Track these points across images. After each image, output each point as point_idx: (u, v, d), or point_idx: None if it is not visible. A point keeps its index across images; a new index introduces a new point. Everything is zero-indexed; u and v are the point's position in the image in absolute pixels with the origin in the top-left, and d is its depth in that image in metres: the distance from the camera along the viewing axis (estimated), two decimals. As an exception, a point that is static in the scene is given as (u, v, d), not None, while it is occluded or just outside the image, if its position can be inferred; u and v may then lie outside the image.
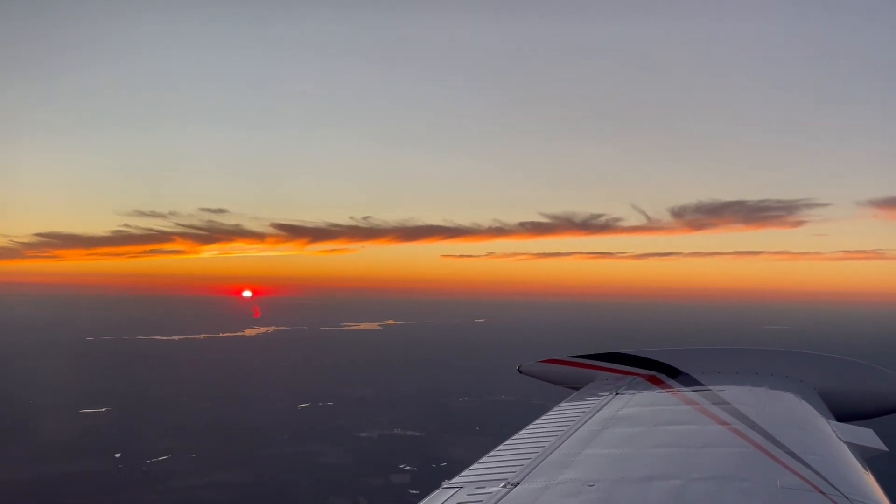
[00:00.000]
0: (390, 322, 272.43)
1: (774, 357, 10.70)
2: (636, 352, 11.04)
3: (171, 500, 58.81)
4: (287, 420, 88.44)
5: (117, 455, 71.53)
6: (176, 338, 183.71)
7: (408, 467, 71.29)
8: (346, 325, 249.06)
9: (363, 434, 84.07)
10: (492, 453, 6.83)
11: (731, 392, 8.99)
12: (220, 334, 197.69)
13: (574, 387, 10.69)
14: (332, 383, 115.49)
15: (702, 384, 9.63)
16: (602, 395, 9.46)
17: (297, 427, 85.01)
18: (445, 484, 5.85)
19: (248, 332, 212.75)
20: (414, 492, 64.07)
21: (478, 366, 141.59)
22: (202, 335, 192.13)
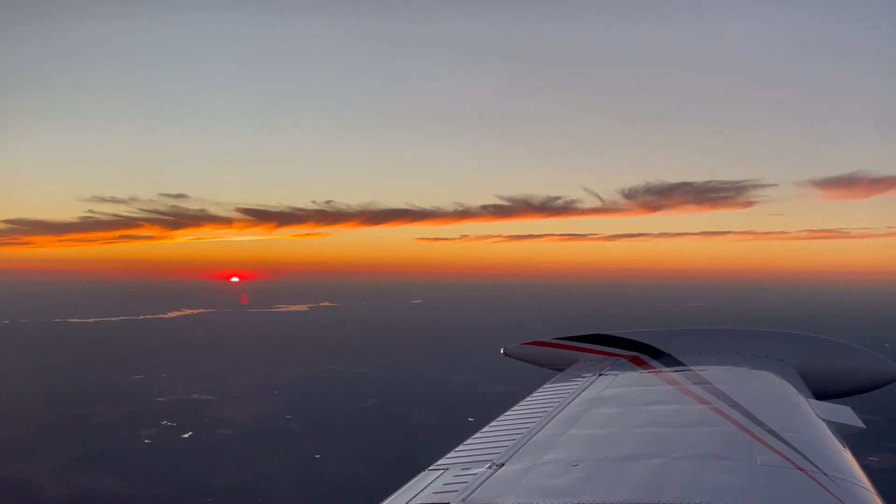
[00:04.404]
0: (324, 304, 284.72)
1: (755, 337, 10.77)
2: (619, 333, 11.16)
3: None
4: (104, 389, 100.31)
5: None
6: (91, 320, 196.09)
7: (168, 423, 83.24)
8: (276, 308, 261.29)
9: (160, 399, 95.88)
10: (477, 435, 6.87)
11: (712, 372, 9.12)
12: (140, 317, 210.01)
13: (558, 368, 10.86)
14: (187, 359, 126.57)
15: (684, 364, 9.78)
16: (586, 376, 9.56)
17: (106, 394, 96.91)
18: (430, 467, 5.91)
19: (171, 314, 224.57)
20: (147, 441, 76.16)
21: (359, 342, 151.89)
22: (120, 317, 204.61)
